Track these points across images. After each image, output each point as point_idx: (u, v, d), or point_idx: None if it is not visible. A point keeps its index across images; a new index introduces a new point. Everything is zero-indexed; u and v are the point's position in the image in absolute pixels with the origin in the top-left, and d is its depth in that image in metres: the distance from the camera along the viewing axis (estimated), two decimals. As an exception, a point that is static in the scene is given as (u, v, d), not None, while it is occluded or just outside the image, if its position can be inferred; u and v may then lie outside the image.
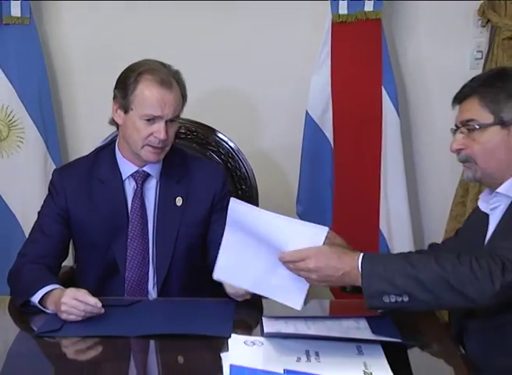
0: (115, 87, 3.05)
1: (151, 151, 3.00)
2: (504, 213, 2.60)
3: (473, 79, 2.67)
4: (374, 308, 2.44)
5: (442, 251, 2.93)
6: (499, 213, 2.63)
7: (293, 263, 2.41)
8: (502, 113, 2.56)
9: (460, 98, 2.65)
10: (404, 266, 2.39)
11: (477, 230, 2.74)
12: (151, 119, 2.96)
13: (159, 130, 2.95)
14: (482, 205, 2.72)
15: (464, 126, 2.61)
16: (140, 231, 3.09)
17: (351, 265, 2.39)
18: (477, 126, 2.58)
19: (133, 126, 2.99)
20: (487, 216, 2.68)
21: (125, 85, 3.00)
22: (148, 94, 2.96)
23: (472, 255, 2.41)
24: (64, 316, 2.65)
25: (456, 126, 2.65)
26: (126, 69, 3.05)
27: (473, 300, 2.33)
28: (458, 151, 2.63)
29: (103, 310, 2.65)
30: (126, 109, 3.00)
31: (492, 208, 2.65)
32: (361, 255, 2.40)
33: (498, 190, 2.61)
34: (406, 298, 2.36)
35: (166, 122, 2.97)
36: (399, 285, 2.35)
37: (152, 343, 2.65)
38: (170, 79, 2.98)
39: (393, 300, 2.36)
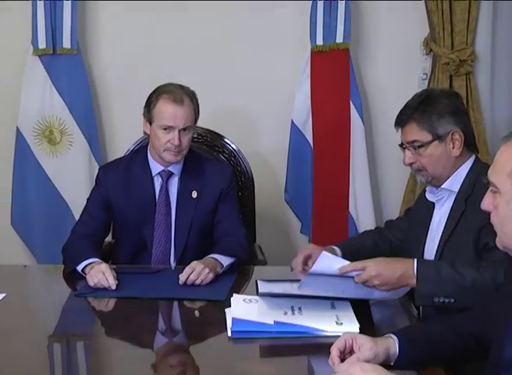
0: (144, 106, 3.10)
1: (170, 154, 3.04)
2: (452, 206, 2.65)
3: (407, 106, 2.70)
4: (422, 305, 2.45)
5: (394, 226, 3.02)
6: (443, 203, 2.69)
7: (357, 276, 2.38)
8: (437, 131, 2.61)
9: (400, 124, 2.70)
10: (453, 274, 2.36)
11: (424, 213, 2.80)
12: (167, 129, 3.00)
13: (173, 137, 2.99)
14: (429, 196, 2.76)
15: (410, 145, 2.64)
16: (165, 217, 3.13)
17: (406, 267, 2.39)
18: (420, 145, 2.61)
19: (155, 135, 3.03)
20: (433, 204, 2.72)
21: (149, 103, 3.06)
22: (164, 109, 3.01)
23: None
24: (91, 282, 2.74)
25: (402, 144, 2.69)
26: (152, 91, 3.09)
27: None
28: (410, 165, 2.67)
29: (114, 287, 2.71)
30: (150, 122, 3.05)
31: (438, 199, 2.71)
32: (415, 260, 2.40)
33: (443, 186, 2.67)
34: (452, 300, 2.36)
35: (179, 131, 2.99)
36: (448, 291, 2.34)
37: (174, 303, 2.70)
38: (183, 97, 3.01)
39: (441, 300, 2.36)
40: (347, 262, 2.41)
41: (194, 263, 2.81)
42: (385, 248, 2.96)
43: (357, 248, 2.91)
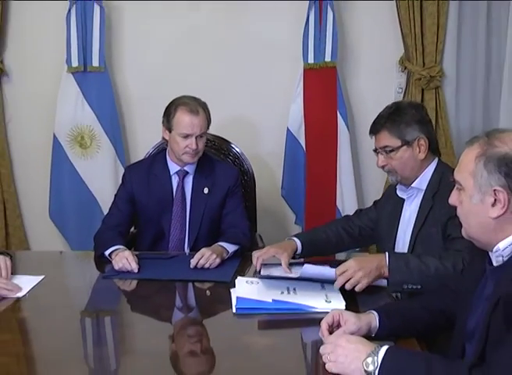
0: (163, 116, 3.11)
1: (188, 156, 3.06)
2: (420, 203, 2.66)
3: (379, 117, 2.70)
4: (394, 291, 2.46)
5: (364, 214, 3.02)
6: (412, 200, 2.70)
7: (343, 275, 2.40)
8: (405, 137, 2.63)
9: (374, 132, 2.71)
10: (419, 264, 2.41)
11: (393, 208, 2.81)
12: (185, 136, 2.99)
13: (191, 143, 3.00)
14: (400, 193, 2.77)
15: (382, 149, 2.66)
16: (181, 210, 3.15)
17: (380, 259, 2.44)
18: (391, 150, 2.62)
19: (175, 141, 3.03)
20: (403, 200, 2.73)
21: (168, 114, 3.06)
22: (182, 119, 3.01)
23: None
24: (116, 266, 2.76)
25: (376, 149, 2.70)
26: (169, 103, 3.11)
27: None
28: (383, 167, 2.69)
29: (136, 270, 2.73)
30: (169, 130, 3.06)
31: (408, 196, 2.72)
32: (387, 253, 2.45)
33: (413, 185, 2.70)
34: (419, 287, 2.40)
35: (196, 137, 3.00)
36: (415, 279, 2.39)
37: (187, 284, 2.71)
38: (198, 108, 3.02)
39: (410, 287, 2.40)
40: (331, 270, 2.44)
41: (204, 250, 2.82)
42: (353, 233, 2.96)
43: (315, 240, 2.90)
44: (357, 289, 2.38)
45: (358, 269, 2.38)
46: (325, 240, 2.92)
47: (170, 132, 3.08)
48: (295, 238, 2.84)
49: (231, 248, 2.94)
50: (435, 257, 2.41)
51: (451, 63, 3.98)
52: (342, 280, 2.39)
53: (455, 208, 1.92)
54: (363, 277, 2.38)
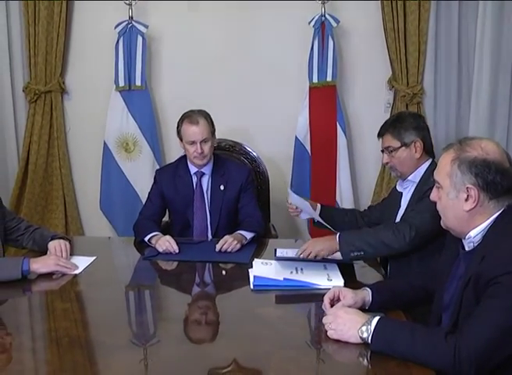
0: (176, 128, 3.12)
1: (197, 159, 3.07)
2: (413, 192, 2.66)
3: (385, 123, 2.75)
4: (346, 260, 2.49)
5: (373, 208, 3.04)
6: (408, 191, 2.70)
7: (303, 250, 2.51)
8: (404, 140, 2.65)
9: (380, 135, 2.73)
10: (360, 234, 2.50)
11: (393, 200, 2.83)
12: (191, 143, 3.00)
13: (196, 148, 3.01)
14: (398, 187, 2.81)
15: (386, 149, 2.66)
16: (201, 204, 3.14)
17: (333, 237, 2.49)
18: (392, 150, 2.63)
19: (185, 148, 3.07)
20: (401, 193, 2.74)
21: (178, 126, 3.09)
22: (186, 129, 3.04)
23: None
24: (160, 249, 2.75)
25: (382, 149, 2.71)
26: (179, 118, 3.11)
27: (395, 249, 2.46)
28: (386, 164, 2.71)
29: (177, 251, 2.75)
30: (181, 139, 3.08)
31: (404, 188, 2.73)
32: (338, 233, 2.49)
33: (408, 178, 2.70)
34: (362, 253, 2.44)
35: (200, 142, 2.99)
36: (358, 246, 2.43)
37: (212, 265, 2.72)
38: (198, 119, 3.03)
39: (355, 254, 2.45)
40: (311, 212, 2.81)
41: (226, 237, 2.83)
42: (363, 220, 2.99)
43: (333, 209, 3.18)
44: (317, 257, 2.49)
45: (313, 243, 2.51)
46: (342, 213, 3.03)
47: (181, 141, 3.09)
48: (317, 204, 2.97)
49: (248, 235, 2.93)
50: (390, 229, 2.48)
51: (430, 83, 3.94)
52: (305, 254, 2.49)
53: (435, 203, 1.93)
54: (320, 250, 2.47)
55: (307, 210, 2.87)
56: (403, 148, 2.64)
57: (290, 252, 2.68)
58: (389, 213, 2.80)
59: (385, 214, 2.85)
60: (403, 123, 2.67)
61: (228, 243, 2.79)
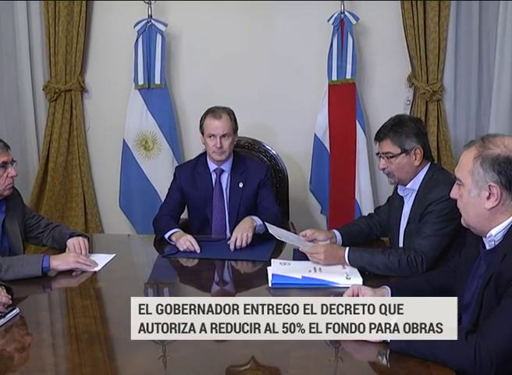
0: (199, 121, 3.12)
1: (215, 154, 3.06)
2: (413, 200, 2.61)
3: (384, 126, 2.65)
4: None
5: (381, 211, 2.95)
6: (409, 198, 2.65)
7: (310, 254, 2.50)
8: (404, 146, 2.58)
9: (378, 139, 2.65)
10: (371, 260, 2.45)
11: (397, 204, 2.74)
12: (212, 136, 3.01)
13: (216, 142, 3.01)
14: (400, 191, 2.71)
15: (384, 155, 2.61)
16: (220, 202, 3.13)
17: (344, 259, 2.47)
18: (391, 156, 2.58)
19: (206, 142, 3.07)
20: (402, 197, 2.69)
21: (201, 120, 3.09)
22: (208, 123, 3.05)
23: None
24: (181, 248, 2.74)
25: (378, 153, 2.65)
26: (204, 112, 3.11)
27: (405, 276, 2.41)
28: (383, 170, 2.64)
29: (198, 251, 2.73)
30: (202, 133, 3.07)
31: (405, 195, 2.67)
32: (347, 249, 2.47)
33: (407, 186, 2.64)
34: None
35: (220, 137, 2.99)
36: (368, 269, 2.44)
37: (231, 262, 2.71)
38: (221, 114, 3.04)
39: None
40: (300, 241, 2.69)
41: (234, 234, 2.80)
42: (377, 230, 2.92)
43: (351, 231, 2.88)
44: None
45: (323, 258, 2.46)
46: (359, 230, 2.89)
47: (203, 135, 3.09)
48: (335, 230, 2.83)
49: (259, 221, 2.89)
50: (385, 254, 2.44)
51: (450, 80, 3.94)
52: (314, 260, 2.49)
53: (455, 201, 1.90)
54: (321, 260, 2.47)
55: (290, 238, 2.73)
56: (403, 154, 2.56)
57: (287, 234, 2.72)
58: (393, 218, 2.75)
59: (391, 217, 2.78)
60: (404, 128, 2.57)
61: (239, 239, 2.76)
